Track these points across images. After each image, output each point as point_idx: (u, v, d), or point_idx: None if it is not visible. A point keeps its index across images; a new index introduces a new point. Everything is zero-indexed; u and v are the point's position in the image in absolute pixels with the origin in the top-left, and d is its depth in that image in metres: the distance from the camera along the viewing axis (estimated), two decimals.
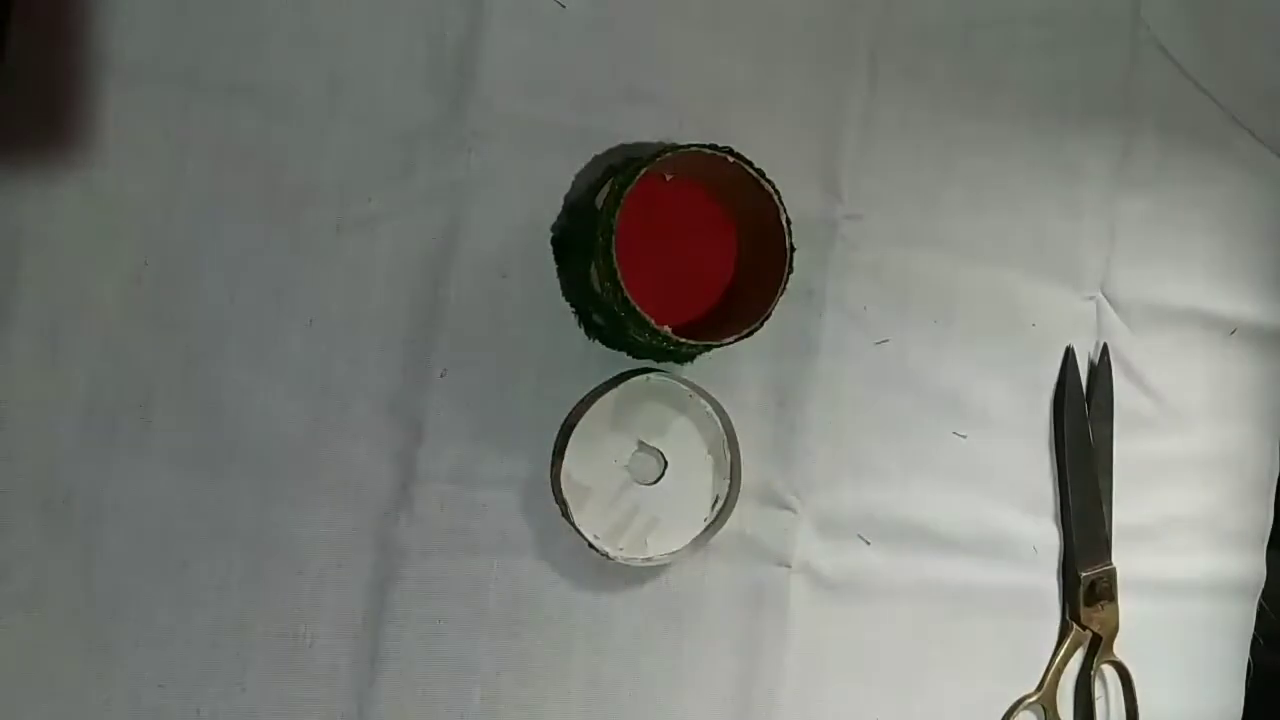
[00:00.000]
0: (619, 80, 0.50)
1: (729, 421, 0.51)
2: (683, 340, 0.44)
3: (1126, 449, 0.59)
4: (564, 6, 0.49)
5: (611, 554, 0.48)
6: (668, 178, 0.47)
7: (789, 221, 0.46)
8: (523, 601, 0.49)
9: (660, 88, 0.51)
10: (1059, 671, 0.57)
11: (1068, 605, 0.57)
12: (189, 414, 0.45)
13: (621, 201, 0.43)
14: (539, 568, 0.49)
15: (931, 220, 0.55)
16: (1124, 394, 0.59)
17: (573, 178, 0.49)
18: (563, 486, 0.48)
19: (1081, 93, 0.58)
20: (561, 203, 0.49)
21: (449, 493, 0.47)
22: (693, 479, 0.50)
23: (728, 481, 0.51)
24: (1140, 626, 0.58)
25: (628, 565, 0.49)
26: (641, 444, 0.50)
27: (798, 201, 0.46)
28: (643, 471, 0.50)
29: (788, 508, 0.52)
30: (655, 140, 0.50)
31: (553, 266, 0.49)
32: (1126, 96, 0.59)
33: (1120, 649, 0.58)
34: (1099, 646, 0.57)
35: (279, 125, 0.46)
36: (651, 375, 0.49)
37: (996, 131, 0.57)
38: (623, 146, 0.50)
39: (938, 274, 0.55)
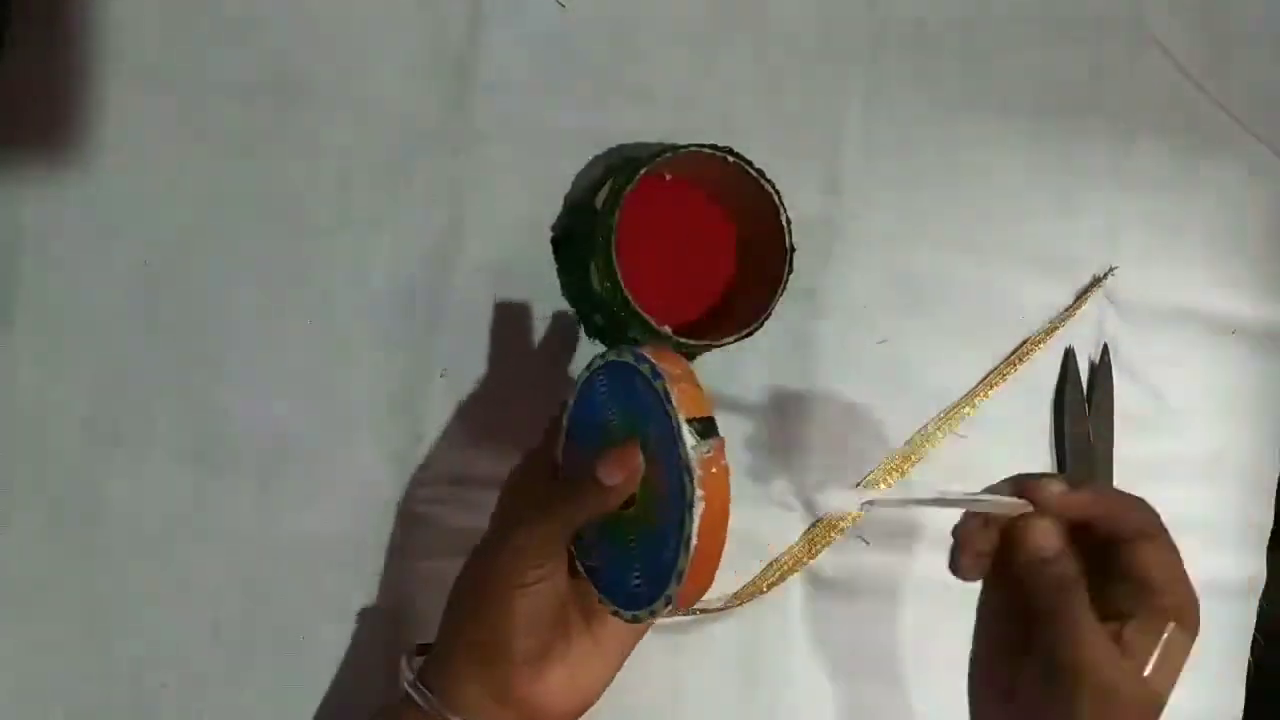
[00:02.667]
0: (619, 80, 0.50)
1: None
2: (683, 340, 0.44)
3: (1126, 449, 0.59)
4: (564, 6, 0.49)
5: None
6: (668, 178, 0.47)
7: (789, 221, 0.46)
8: None
9: (660, 88, 0.51)
10: None
11: None
12: (189, 414, 0.45)
13: (621, 201, 0.43)
14: None
15: (931, 220, 0.55)
16: (1124, 394, 0.59)
17: (573, 178, 0.49)
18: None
19: (1081, 93, 0.58)
20: (561, 203, 0.49)
21: (449, 493, 0.47)
22: None
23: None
24: None
25: None
26: None
27: (798, 201, 0.46)
28: None
29: (788, 508, 0.52)
30: (655, 140, 0.50)
31: (553, 266, 0.49)
32: (1126, 96, 0.59)
33: None
34: None
35: (279, 125, 0.46)
36: None
37: (996, 131, 0.57)
38: (623, 146, 0.50)
39: (937, 274, 0.55)
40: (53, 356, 0.43)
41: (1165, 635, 0.36)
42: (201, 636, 0.45)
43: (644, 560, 0.35)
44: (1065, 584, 0.36)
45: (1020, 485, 0.37)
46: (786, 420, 0.53)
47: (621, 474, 0.36)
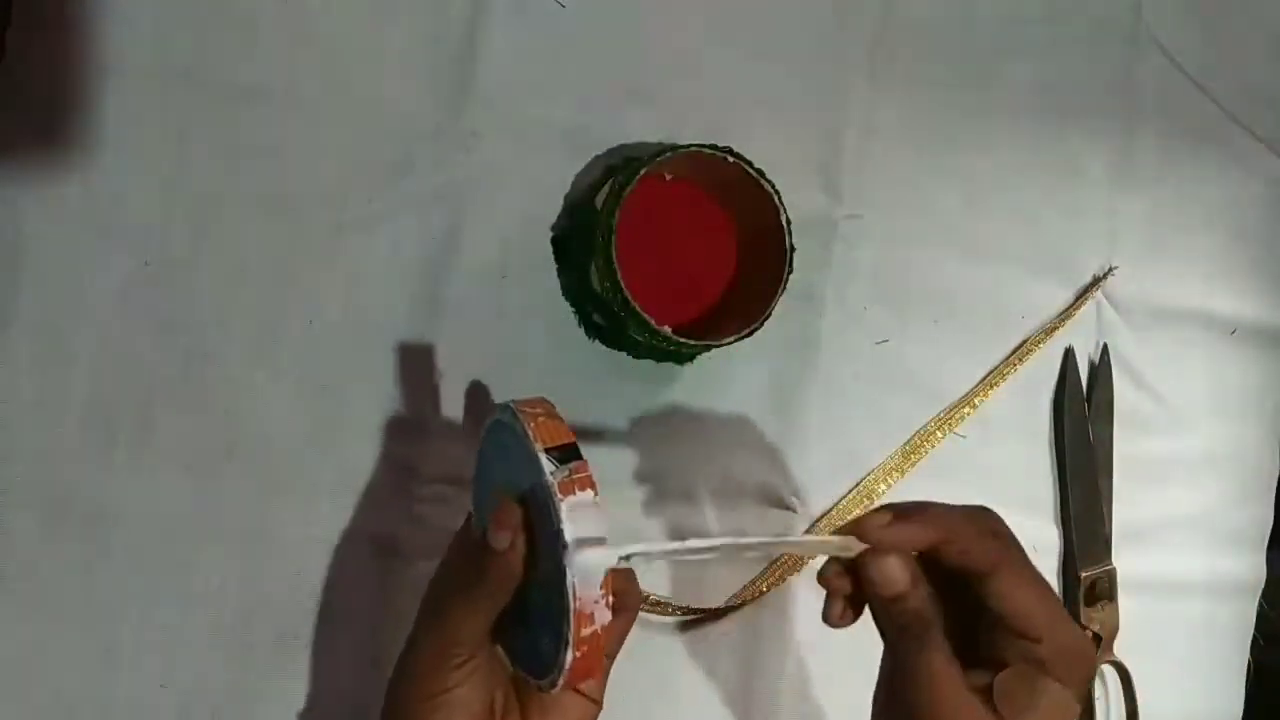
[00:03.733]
0: (619, 80, 0.50)
1: None
2: (683, 340, 0.44)
3: (1126, 449, 0.59)
4: (564, 6, 0.49)
5: None
6: (668, 178, 0.47)
7: (789, 221, 0.46)
8: None
9: (660, 88, 0.51)
10: None
11: (1068, 605, 0.57)
12: (189, 414, 0.45)
13: (621, 201, 0.43)
14: None
15: (931, 220, 0.55)
16: (1124, 394, 0.59)
17: (573, 178, 0.49)
18: None
19: (1081, 93, 0.58)
20: (561, 203, 0.49)
21: (448, 493, 0.47)
22: None
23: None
24: (1140, 626, 0.58)
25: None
26: None
27: (798, 201, 0.46)
28: None
29: (788, 508, 0.52)
30: (655, 140, 0.50)
31: (553, 266, 0.49)
32: (1126, 96, 0.59)
33: (1120, 649, 0.58)
34: (1099, 646, 0.57)
35: (279, 125, 0.46)
36: None
37: (996, 131, 0.57)
38: (623, 146, 0.50)
39: (937, 274, 0.55)
40: (53, 356, 0.43)
41: (1038, 688, 0.32)
42: (201, 637, 0.45)
43: (547, 617, 0.33)
44: (916, 625, 0.32)
45: (853, 524, 0.33)
46: (786, 420, 0.53)
47: (506, 532, 0.33)
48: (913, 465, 0.54)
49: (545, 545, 0.33)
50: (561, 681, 0.33)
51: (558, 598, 0.32)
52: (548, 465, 0.32)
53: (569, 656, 0.32)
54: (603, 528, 0.32)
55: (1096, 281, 0.58)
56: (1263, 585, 0.62)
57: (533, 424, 0.33)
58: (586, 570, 0.31)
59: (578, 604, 0.31)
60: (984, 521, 0.34)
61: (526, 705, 0.37)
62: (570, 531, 0.31)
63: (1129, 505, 0.59)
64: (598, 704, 0.38)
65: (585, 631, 0.31)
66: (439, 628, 0.35)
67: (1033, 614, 0.32)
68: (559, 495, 0.31)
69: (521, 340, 0.49)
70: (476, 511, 0.39)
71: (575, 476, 0.32)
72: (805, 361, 0.53)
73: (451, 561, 0.38)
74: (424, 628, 0.37)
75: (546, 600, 0.33)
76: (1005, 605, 0.32)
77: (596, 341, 0.50)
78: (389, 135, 0.47)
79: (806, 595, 0.53)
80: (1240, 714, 0.61)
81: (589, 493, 0.32)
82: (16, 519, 0.43)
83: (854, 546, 0.34)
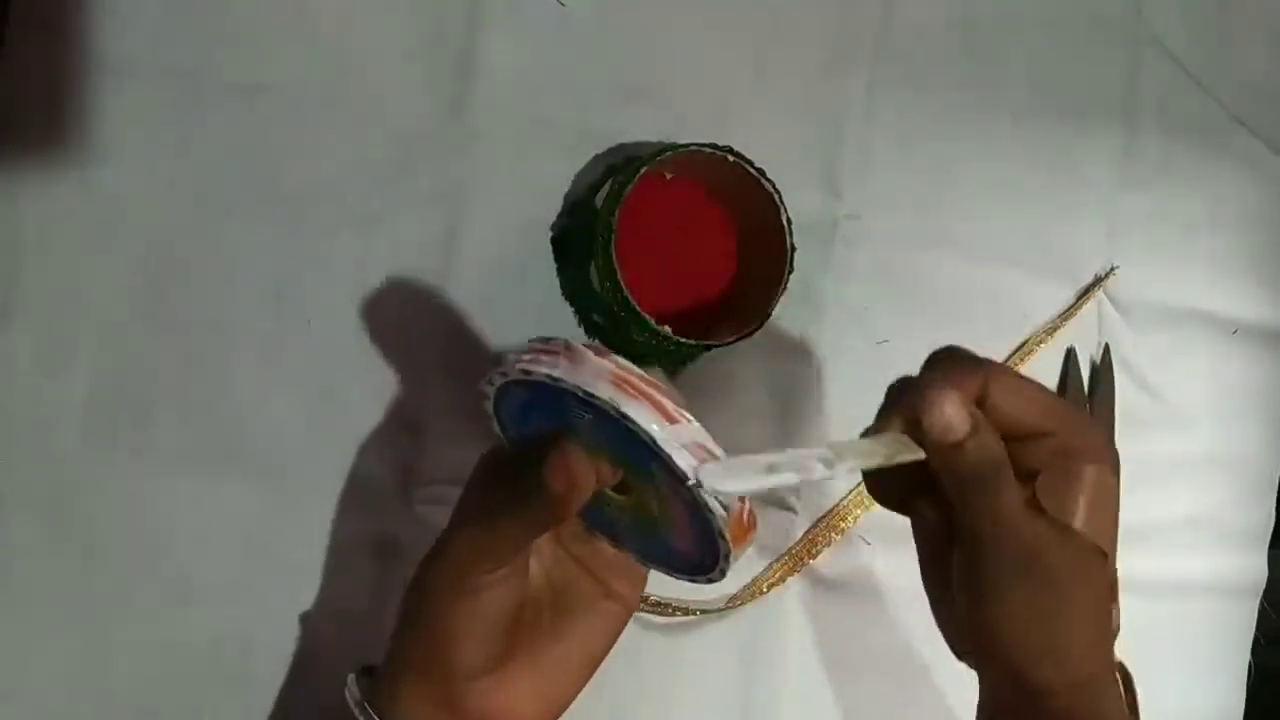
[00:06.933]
0: (619, 80, 0.50)
1: None
2: (683, 340, 0.44)
3: (1126, 449, 0.58)
4: (564, 6, 0.49)
5: None
6: (668, 178, 0.47)
7: (789, 221, 0.46)
8: None
9: (660, 88, 0.51)
10: None
11: None
12: (189, 414, 0.45)
13: (621, 201, 0.43)
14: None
15: (932, 220, 0.55)
16: (1125, 394, 0.59)
17: (573, 178, 0.49)
18: None
19: (1081, 93, 0.58)
20: (561, 203, 0.49)
21: (448, 493, 0.47)
22: None
23: None
24: (1140, 626, 0.58)
25: None
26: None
27: (798, 201, 0.46)
28: None
29: (788, 508, 0.52)
30: (655, 140, 0.50)
31: (553, 266, 0.49)
32: (1126, 96, 0.59)
33: (1120, 649, 0.57)
34: None
35: (279, 125, 0.46)
36: None
37: (996, 132, 0.57)
38: (623, 146, 0.50)
39: (938, 274, 0.55)
40: (52, 356, 0.43)
41: (1073, 474, 0.32)
42: (201, 636, 0.45)
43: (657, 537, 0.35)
44: (985, 468, 0.31)
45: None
46: (786, 420, 0.53)
47: (563, 480, 0.31)
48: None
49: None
50: (618, 629, 0.36)
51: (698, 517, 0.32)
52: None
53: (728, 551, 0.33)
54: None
55: (1098, 281, 0.58)
56: (1264, 585, 0.62)
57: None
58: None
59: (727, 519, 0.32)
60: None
61: (559, 611, 0.37)
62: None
63: (1129, 505, 0.58)
64: (631, 607, 0.38)
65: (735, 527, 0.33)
66: (470, 541, 0.34)
67: (1034, 409, 0.32)
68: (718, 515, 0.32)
69: (522, 340, 0.49)
70: (511, 434, 0.38)
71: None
72: (805, 361, 0.53)
73: (482, 482, 0.36)
74: (457, 537, 0.35)
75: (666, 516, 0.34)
76: (1009, 413, 0.31)
77: (596, 341, 0.50)
78: (389, 135, 0.47)
79: (806, 595, 0.53)
80: (1240, 714, 0.61)
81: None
82: (16, 519, 0.43)
83: (909, 444, 0.33)
